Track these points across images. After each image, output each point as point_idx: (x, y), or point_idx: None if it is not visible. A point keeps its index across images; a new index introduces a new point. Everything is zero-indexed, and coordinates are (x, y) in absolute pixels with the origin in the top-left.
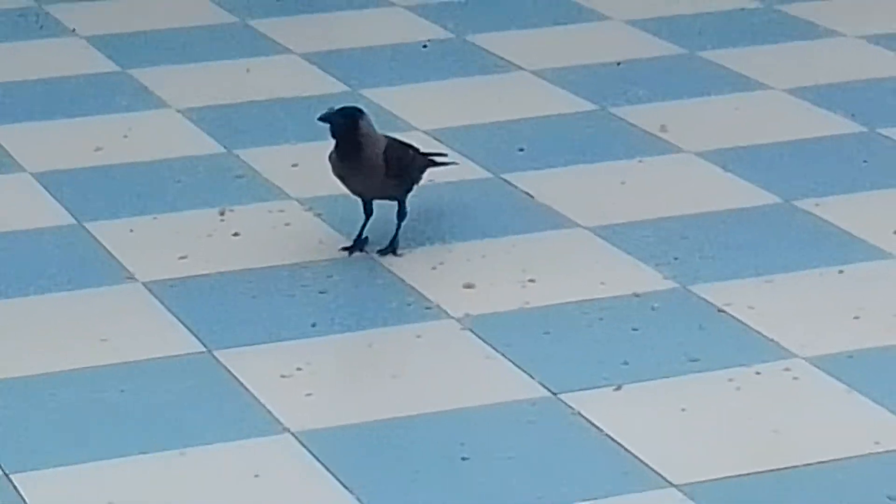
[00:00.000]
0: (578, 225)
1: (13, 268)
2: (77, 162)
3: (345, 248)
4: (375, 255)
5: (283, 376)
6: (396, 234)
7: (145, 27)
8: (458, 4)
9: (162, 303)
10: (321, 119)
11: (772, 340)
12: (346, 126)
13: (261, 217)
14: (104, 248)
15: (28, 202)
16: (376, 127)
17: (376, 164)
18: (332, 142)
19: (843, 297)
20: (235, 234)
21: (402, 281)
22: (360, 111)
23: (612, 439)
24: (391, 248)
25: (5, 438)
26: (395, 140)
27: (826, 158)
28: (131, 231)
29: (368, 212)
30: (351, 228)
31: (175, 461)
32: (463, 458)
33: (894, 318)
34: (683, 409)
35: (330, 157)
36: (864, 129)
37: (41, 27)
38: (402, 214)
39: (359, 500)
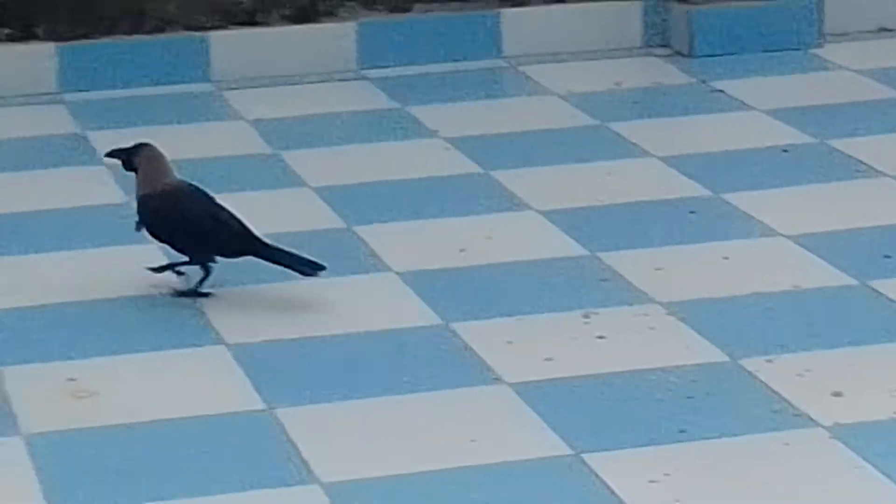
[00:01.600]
0: None
1: (381, 366)
2: (441, 262)
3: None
4: (742, 361)
5: (651, 481)
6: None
7: (505, 130)
8: (817, 109)
9: (528, 404)
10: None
11: None
12: (123, 161)
13: (625, 320)
14: (470, 348)
15: (394, 301)
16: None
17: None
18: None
19: None
20: (600, 337)
21: (769, 387)
22: (143, 145)
23: None
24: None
25: None
26: (178, 192)
27: None
28: (496, 332)
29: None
30: (716, 334)
31: None
32: None
33: None
34: None
35: None
36: None
37: (404, 129)
38: (202, 274)
39: None
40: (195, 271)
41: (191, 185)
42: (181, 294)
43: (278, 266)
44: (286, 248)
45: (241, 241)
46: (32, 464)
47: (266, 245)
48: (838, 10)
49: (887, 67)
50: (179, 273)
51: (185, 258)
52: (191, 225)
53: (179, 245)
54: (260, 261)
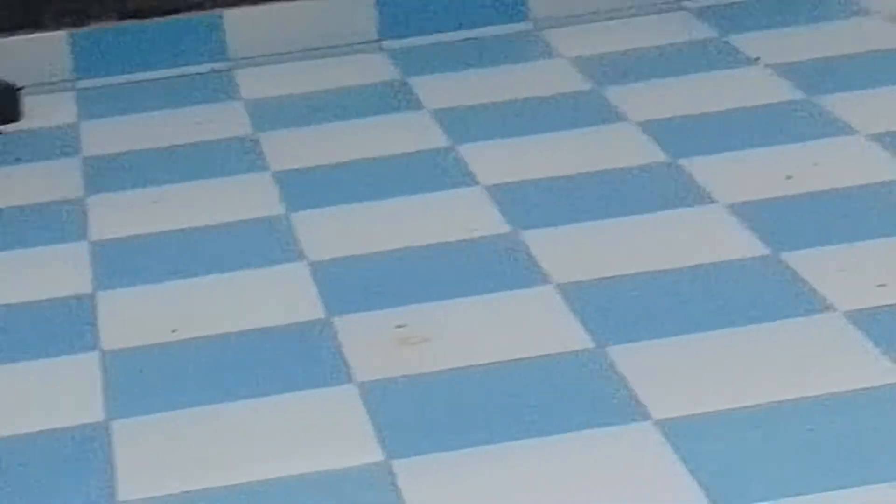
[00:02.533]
0: None
1: (709, 299)
2: (768, 192)
3: None
4: None
5: None
6: None
7: (829, 54)
8: None
9: (862, 331)
10: None
11: None
12: None
13: None
14: (800, 277)
15: (720, 233)
16: None
17: None
18: None
19: None
20: None
21: None
22: None
23: None
24: None
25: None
26: None
27: None
28: (827, 260)
29: None
30: None
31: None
32: None
33: None
34: None
35: None
36: None
37: (725, 58)
38: None
39: None
40: None
41: None
42: None
43: None
44: None
45: None
46: (366, 411)
47: None
48: None
49: None
50: None
51: None
52: None
53: None
54: None
